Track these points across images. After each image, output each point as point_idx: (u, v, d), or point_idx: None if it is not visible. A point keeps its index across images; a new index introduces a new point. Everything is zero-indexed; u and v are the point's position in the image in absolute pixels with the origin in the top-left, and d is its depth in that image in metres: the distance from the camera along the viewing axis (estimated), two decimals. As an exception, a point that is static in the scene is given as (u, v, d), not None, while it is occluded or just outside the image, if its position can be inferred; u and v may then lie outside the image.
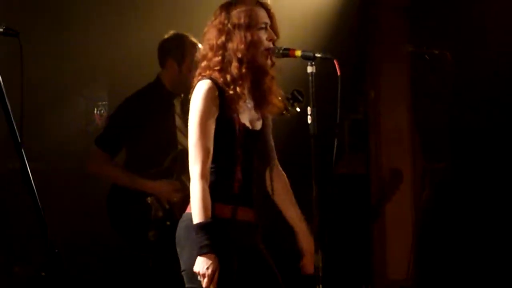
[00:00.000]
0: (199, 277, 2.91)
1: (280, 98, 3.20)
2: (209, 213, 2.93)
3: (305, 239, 3.22)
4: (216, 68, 3.02)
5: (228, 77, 3.02)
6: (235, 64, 3.02)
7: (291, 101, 4.21)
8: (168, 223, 4.21)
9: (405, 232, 5.12)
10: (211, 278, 2.89)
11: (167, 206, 4.22)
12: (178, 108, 4.27)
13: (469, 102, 5.09)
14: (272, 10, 3.12)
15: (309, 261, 3.19)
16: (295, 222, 3.23)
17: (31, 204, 2.36)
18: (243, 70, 3.03)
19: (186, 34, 4.23)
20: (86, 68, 5.19)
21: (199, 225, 2.91)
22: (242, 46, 3.01)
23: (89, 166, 4.28)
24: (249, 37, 3.02)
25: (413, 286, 5.03)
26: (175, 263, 4.10)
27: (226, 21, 3.03)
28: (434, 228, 5.02)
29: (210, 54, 3.05)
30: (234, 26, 3.03)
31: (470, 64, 5.01)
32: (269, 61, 3.09)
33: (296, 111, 4.18)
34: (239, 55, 3.02)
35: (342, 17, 5.27)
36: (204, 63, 3.06)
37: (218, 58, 3.03)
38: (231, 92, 3.01)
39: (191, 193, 2.95)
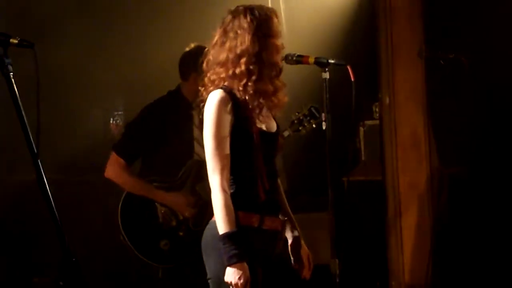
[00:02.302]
0: (230, 287, 2.90)
1: (284, 91, 3.16)
2: (234, 221, 2.92)
3: (301, 244, 3.20)
4: (246, 75, 2.98)
5: (261, 84, 2.99)
6: (274, 73, 3.02)
7: (308, 118, 4.22)
8: (181, 233, 4.22)
9: (422, 237, 5.09)
10: (244, 287, 2.90)
11: (180, 217, 4.23)
12: (196, 119, 4.27)
13: (486, 105, 5.06)
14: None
15: (307, 266, 3.19)
16: (289, 227, 3.20)
17: (48, 215, 2.37)
18: (278, 76, 3.04)
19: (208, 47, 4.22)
20: (102, 78, 5.22)
21: (226, 235, 2.90)
22: (275, 54, 3.02)
23: (106, 171, 4.29)
24: (279, 46, 3.03)
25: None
26: (185, 273, 4.13)
27: (256, 29, 2.99)
28: (453, 232, 4.99)
29: (242, 60, 2.97)
30: (265, 35, 3.00)
31: (487, 67, 4.98)
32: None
33: (312, 127, 4.19)
34: (273, 62, 3.01)
35: (356, 22, 5.27)
36: (229, 70, 2.99)
37: (251, 66, 2.97)
38: (256, 100, 3.00)
39: (214, 203, 2.94)
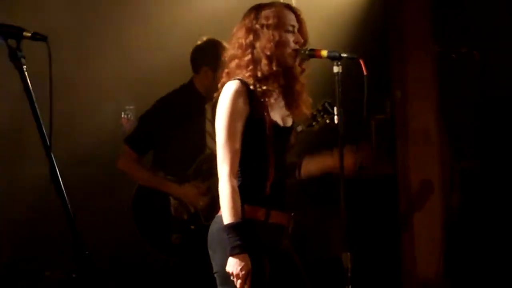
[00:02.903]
0: (232, 277, 2.91)
1: (308, 106, 3.21)
2: (239, 213, 2.93)
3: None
4: (246, 66, 3.04)
5: (259, 73, 3.03)
6: (264, 61, 3.03)
7: (321, 113, 4.20)
8: (192, 227, 4.22)
9: (434, 232, 5.08)
10: (245, 278, 2.90)
11: (192, 210, 4.23)
12: (209, 113, 4.28)
13: (497, 100, 5.04)
14: (301, 15, 3.13)
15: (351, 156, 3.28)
16: (325, 159, 3.30)
17: (61, 208, 2.37)
18: (274, 68, 3.04)
19: (220, 40, 4.23)
20: (114, 73, 5.22)
21: (230, 225, 2.91)
22: (270, 44, 3.03)
23: (118, 164, 4.31)
24: (276, 37, 3.04)
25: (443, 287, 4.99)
26: (197, 266, 4.14)
27: (254, 21, 3.07)
28: (464, 228, 4.98)
29: (239, 53, 3.07)
30: (262, 25, 3.06)
31: (498, 62, 4.96)
32: (297, 64, 3.10)
33: (326, 122, 4.17)
34: (268, 53, 3.03)
35: (367, 17, 5.25)
36: (233, 62, 3.08)
37: (247, 57, 3.05)
38: (263, 87, 3.01)
39: (220, 193, 2.95)
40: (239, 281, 2.90)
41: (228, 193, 2.93)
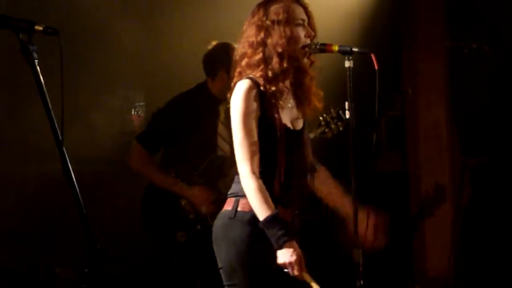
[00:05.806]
0: (286, 269, 2.89)
1: (320, 99, 3.18)
2: (271, 204, 2.90)
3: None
4: (257, 65, 3.01)
5: (270, 73, 3.00)
6: (276, 59, 3.01)
7: (335, 120, 4.16)
8: (198, 226, 4.22)
9: (444, 229, 5.06)
10: (299, 263, 2.88)
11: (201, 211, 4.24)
12: (222, 115, 4.27)
13: (508, 97, 5.02)
14: (309, 8, 3.12)
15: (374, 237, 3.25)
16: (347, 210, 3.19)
17: (70, 205, 2.37)
18: (285, 65, 3.01)
19: (229, 43, 4.20)
20: (124, 69, 5.23)
21: (267, 219, 2.88)
22: (282, 41, 3.00)
23: (130, 161, 4.30)
24: (288, 33, 3.01)
25: (454, 283, 4.97)
26: (200, 264, 4.14)
27: (264, 18, 3.03)
28: (475, 225, 4.96)
29: (250, 52, 3.04)
30: (272, 22, 3.02)
31: (509, 57, 4.94)
32: (306, 59, 3.09)
33: (339, 130, 4.13)
34: (280, 50, 3.01)
35: (378, 12, 5.23)
36: (244, 61, 3.05)
37: (258, 56, 3.02)
38: (273, 88, 2.99)
39: (246, 191, 2.92)
40: (295, 267, 2.88)
41: (254, 190, 2.90)
